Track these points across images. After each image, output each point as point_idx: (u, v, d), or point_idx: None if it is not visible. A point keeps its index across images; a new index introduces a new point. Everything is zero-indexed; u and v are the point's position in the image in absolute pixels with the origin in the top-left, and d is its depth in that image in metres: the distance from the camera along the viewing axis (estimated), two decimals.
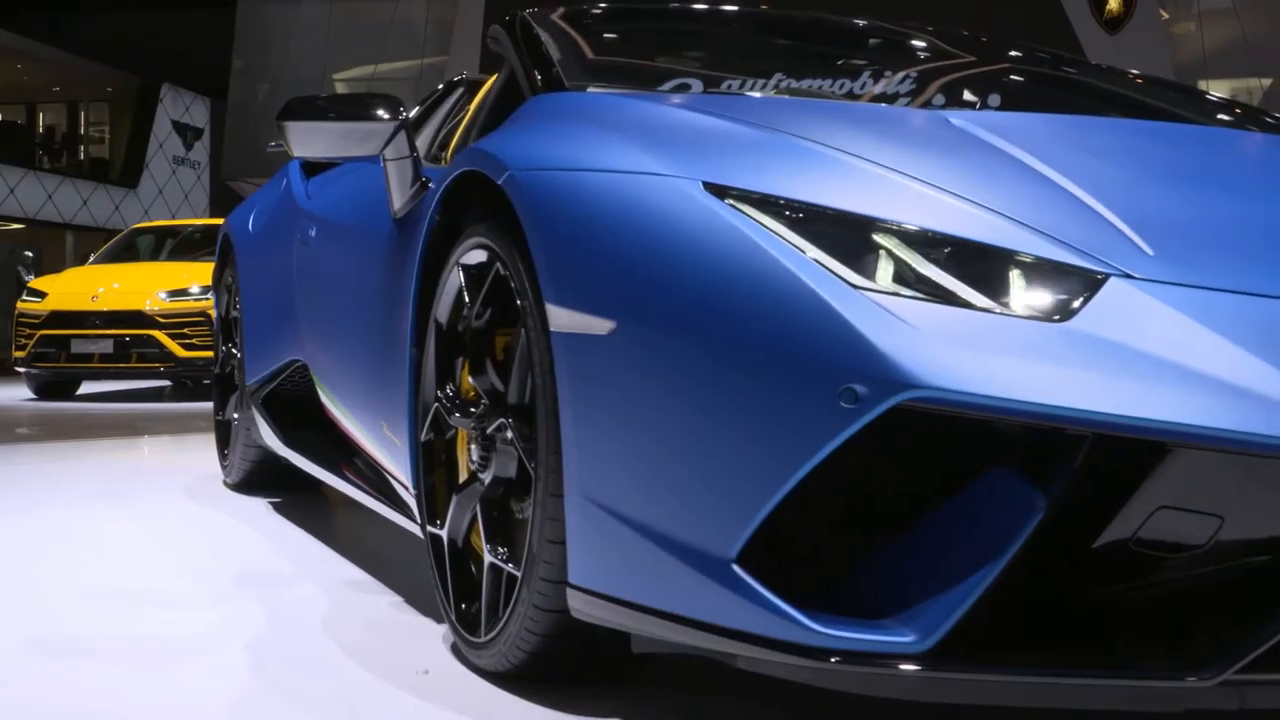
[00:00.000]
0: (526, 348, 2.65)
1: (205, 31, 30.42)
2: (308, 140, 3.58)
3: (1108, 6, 23.37)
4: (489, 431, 2.85)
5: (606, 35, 4.06)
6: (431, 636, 3.21)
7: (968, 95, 3.85)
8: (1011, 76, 4.26)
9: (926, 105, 3.74)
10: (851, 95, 3.75)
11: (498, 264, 2.78)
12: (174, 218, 33.81)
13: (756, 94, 3.57)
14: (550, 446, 2.53)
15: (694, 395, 2.25)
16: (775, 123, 2.70)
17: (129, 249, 15.56)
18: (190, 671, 2.96)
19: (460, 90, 5.01)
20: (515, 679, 2.77)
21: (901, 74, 3.95)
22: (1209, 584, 2.15)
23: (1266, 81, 25.14)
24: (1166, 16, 24.83)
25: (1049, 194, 2.44)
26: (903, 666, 2.06)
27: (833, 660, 2.10)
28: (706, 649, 2.29)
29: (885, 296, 2.14)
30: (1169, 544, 2.13)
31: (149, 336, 13.04)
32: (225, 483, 6.00)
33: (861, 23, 4.51)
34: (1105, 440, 2.06)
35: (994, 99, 3.84)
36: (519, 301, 2.67)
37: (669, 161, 2.49)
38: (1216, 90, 25.06)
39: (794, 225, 2.27)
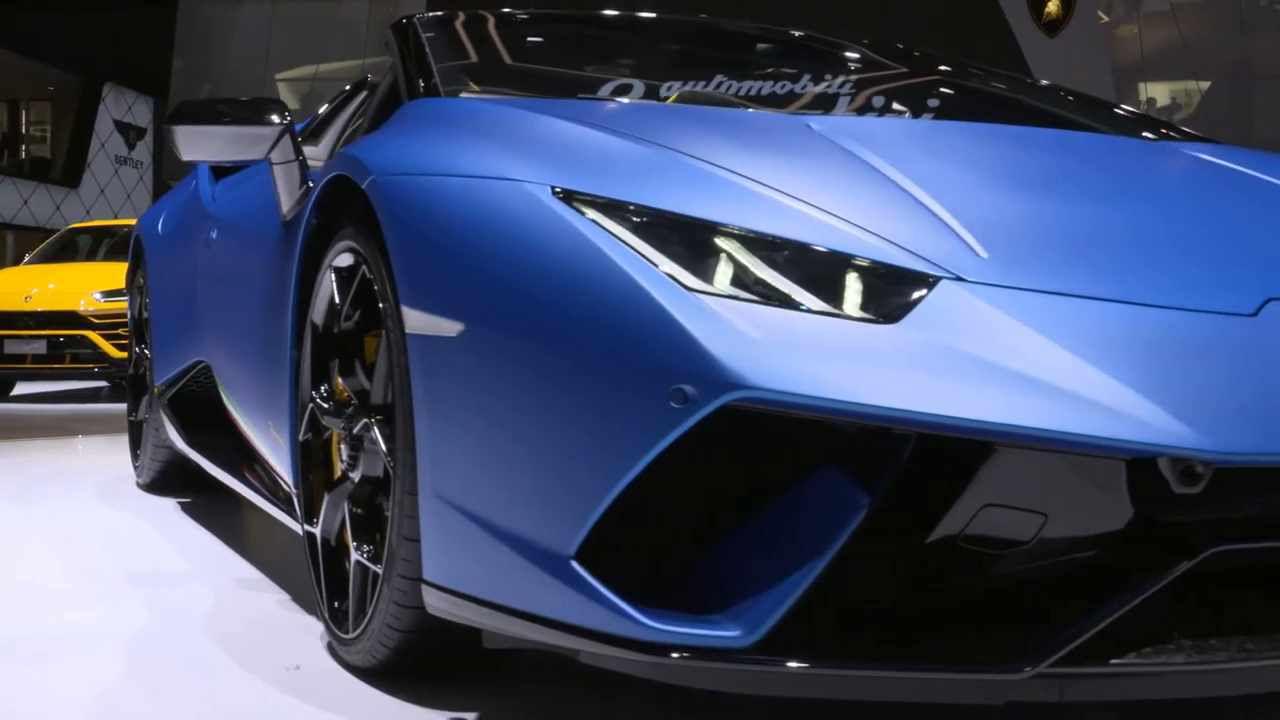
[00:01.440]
0: (388, 349, 2.69)
1: (148, 31, 30.26)
2: (195, 144, 3.63)
3: (1046, 9, 23.50)
4: (356, 432, 2.89)
5: (495, 41, 4.10)
6: (310, 634, 3.25)
7: (853, 101, 3.90)
8: (903, 84, 4.31)
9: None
10: (736, 100, 3.80)
11: (364, 267, 2.82)
12: (116, 217, 33.58)
13: (626, 100, 3.62)
14: (406, 446, 2.57)
15: (536, 396, 2.30)
16: (633, 128, 2.75)
17: (65, 249, 15.46)
18: (62, 668, 3.00)
19: (364, 93, 5.04)
20: (382, 674, 2.82)
21: (788, 79, 3.99)
22: (1034, 579, 2.21)
23: (1205, 84, 25.32)
24: (1105, 19, 24.98)
25: (891, 198, 2.51)
26: (728, 660, 2.11)
27: (667, 655, 2.15)
28: (549, 644, 2.33)
29: (719, 299, 2.19)
30: (996, 540, 2.19)
31: (83, 337, 12.95)
32: (138, 484, 6.01)
33: (751, 28, 4.57)
34: (932, 440, 2.11)
35: (878, 105, 3.89)
36: (380, 304, 2.71)
37: (522, 166, 2.53)
38: (1156, 93, 25.31)
39: (637, 230, 2.32)
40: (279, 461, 3.63)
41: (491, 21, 4.16)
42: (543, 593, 2.28)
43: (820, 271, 2.27)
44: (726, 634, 2.11)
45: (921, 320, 2.20)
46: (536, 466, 2.30)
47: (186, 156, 3.65)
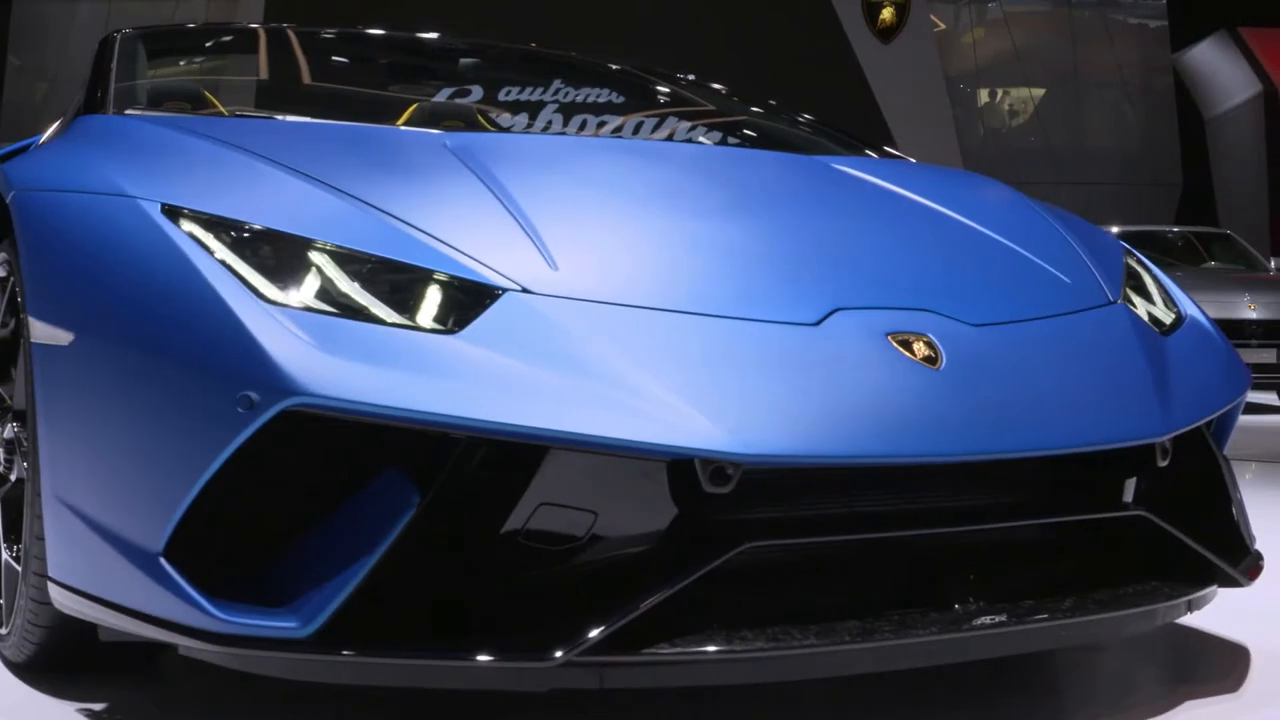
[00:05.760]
0: (23, 357, 2.81)
1: None
2: None
3: (881, 16, 23.83)
4: (6, 435, 3.01)
5: (195, 57, 4.21)
6: None
7: (538, 114, 4.06)
8: (612, 102, 4.47)
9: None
10: (460, 110, 3.94)
11: (12, 278, 2.94)
12: None
13: (284, 118, 3.72)
14: (33, 449, 2.70)
15: (131, 402, 2.45)
16: (264, 147, 2.88)
17: None
18: None
19: None
20: (34, 669, 2.93)
21: (451, 90, 4.12)
22: (587, 574, 2.37)
23: (1039, 91, 25.82)
24: (941, 27, 25.38)
25: (486, 215, 2.68)
26: (288, 650, 2.27)
27: (234, 646, 2.30)
28: (148, 638, 2.47)
29: (294, 312, 2.35)
30: (554, 536, 2.36)
31: None
32: None
33: (460, 42, 4.71)
34: (490, 443, 2.28)
35: (575, 122, 4.05)
36: (21, 314, 2.83)
37: (140, 183, 2.66)
38: (992, 100, 25.72)
39: (232, 245, 2.46)
40: None
41: (202, 37, 4.27)
42: (139, 588, 2.42)
43: (396, 284, 2.44)
44: (285, 625, 2.27)
45: (482, 331, 2.37)
46: (130, 469, 2.44)
47: None
